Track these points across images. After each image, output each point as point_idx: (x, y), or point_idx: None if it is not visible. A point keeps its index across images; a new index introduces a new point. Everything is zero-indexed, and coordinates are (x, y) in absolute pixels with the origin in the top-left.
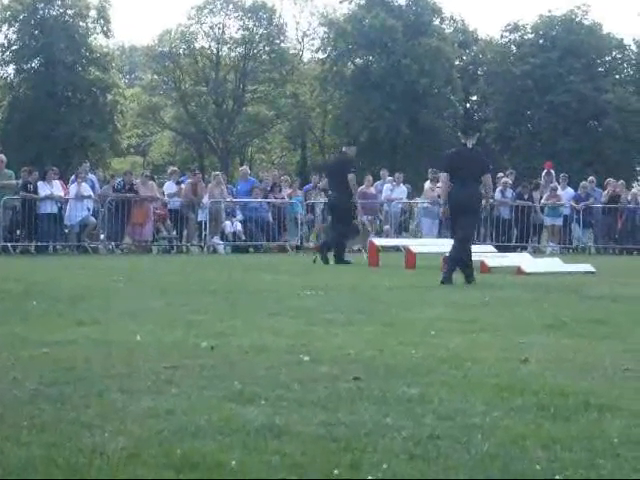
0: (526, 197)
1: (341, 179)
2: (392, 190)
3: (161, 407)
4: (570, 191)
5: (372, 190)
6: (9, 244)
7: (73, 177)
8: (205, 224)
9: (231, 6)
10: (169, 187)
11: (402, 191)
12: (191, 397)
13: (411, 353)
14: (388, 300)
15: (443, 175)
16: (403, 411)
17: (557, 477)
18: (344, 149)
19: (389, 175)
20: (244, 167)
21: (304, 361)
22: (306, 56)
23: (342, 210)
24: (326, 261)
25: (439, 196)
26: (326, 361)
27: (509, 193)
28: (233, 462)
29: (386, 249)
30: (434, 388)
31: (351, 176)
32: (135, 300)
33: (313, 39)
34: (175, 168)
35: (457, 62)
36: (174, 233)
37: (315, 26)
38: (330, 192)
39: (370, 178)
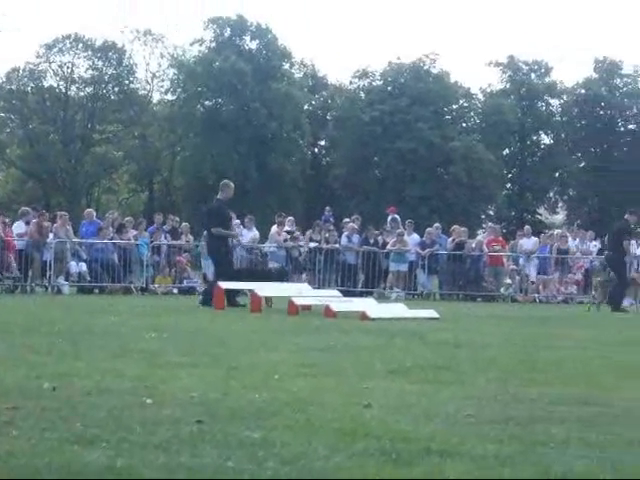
0: (372, 242)
1: (617, 241)
2: (241, 234)
3: (1, 449)
4: (416, 237)
5: None
6: None
7: None
8: (50, 264)
9: (81, 45)
10: (18, 227)
11: (255, 233)
12: (32, 439)
13: (255, 397)
14: (233, 343)
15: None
16: (245, 455)
17: None
18: (626, 216)
19: (237, 218)
20: (89, 209)
21: (147, 403)
22: (155, 97)
23: (616, 267)
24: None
25: (285, 240)
26: (169, 404)
27: (355, 238)
28: None
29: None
30: (277, 432)
31: (626, 243)
32: None
33: (163, 80)
34: (27, 208)
35: (306, 107)
36: (18, 273)
37: (165, 67)
38: (607, 252)
39: None
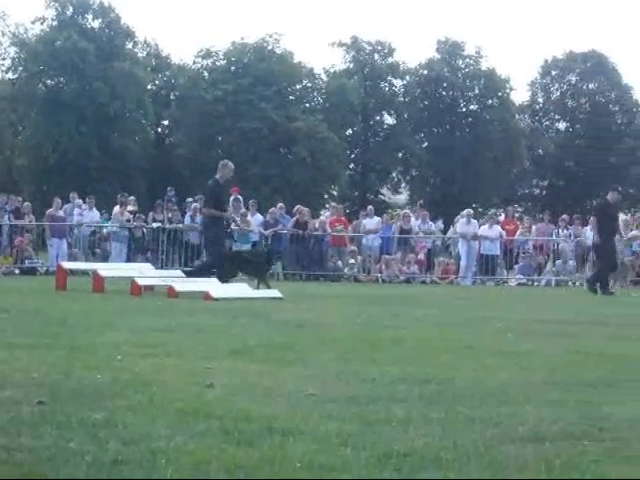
0: None
1: (597, 225)
2: (82, 214)
3: None
4: (259, 217)
5: (61, 213)
6: None
7: None
8: None
9: None
10: None
11: (95, 214)
12: None
13: (96, 377)
14: (75, 324)
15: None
16: (87, 436)
17: None
18: (608, 196)
19: (79, 198)
20: None
21: None
22: None
23: (599, 253)
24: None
25: (128, 220)
26: (9, 385)
27: (198, 218)
28: None
29: (75, 272)
30: (119, 412)
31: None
32: None
33: (4, 59)
34: None
35: (149, 86)
36: None
37: (6, 46)
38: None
39: (59, 200)
